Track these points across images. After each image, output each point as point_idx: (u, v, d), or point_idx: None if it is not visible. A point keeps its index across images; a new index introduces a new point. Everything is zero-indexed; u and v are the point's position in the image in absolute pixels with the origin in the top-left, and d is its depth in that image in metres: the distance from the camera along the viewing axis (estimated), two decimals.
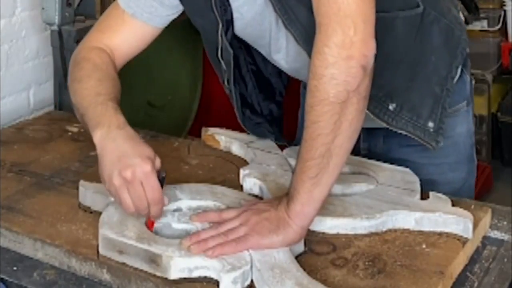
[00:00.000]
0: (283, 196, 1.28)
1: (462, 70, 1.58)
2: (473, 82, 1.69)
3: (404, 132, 1.46)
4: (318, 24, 1.23)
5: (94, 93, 1.41)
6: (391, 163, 1.54)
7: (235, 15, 1.47)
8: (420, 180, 1.47)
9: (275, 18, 1.42)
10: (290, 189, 1.26)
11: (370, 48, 1.21)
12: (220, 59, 1.52)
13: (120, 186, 1.27)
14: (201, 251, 1.21)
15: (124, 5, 1.54)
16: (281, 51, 1.49)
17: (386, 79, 1.41)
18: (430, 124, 1.48)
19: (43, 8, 2.14)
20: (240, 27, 1.48)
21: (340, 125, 1.21)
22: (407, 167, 1.53)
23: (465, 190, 1.61)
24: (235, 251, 1.22)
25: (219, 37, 1.49)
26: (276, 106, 1.68)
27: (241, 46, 1.56)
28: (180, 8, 1.56)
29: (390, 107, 1.44)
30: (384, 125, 1.45)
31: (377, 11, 1.23)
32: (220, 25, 1.47)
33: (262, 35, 1.48)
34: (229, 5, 1.46)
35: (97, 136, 1.33)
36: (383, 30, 1.28)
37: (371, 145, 1.63)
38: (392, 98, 1.44)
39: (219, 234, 1.24)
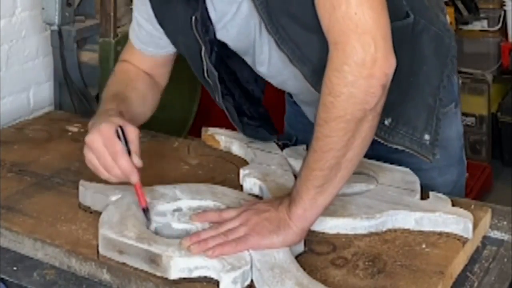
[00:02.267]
0: (284, 197, 1.28)
1: (453, 56, 1.55)
2: (460, 81, 1.66)
3: (401, 148, 1.44)
4: (334, 42, 1.20)
5: (103, 97, 1.51)
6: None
7: (221, 32, 1.46)
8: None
9: (258, 31, 1.41)
10: (293, 193, 1.26)
11: (391, 65, 1.19)
12: (207, 78, 1.51)
13: (86, 153, 1.33)
14: (201, 251, 1.21)
15: (133, 41, 1.60)
16: (264, 64, 1.48)
17: None
18: (426, 137, 1.46)
19: (43, 8, 2.15)
20: (229, 42, 1.48)
21: (353, 142, 1.20)
22: None
23: (456, 192, 1.59)
24: (235, 251, 1.22)
25: (203, 59, 1.48)
26: (263, 109, 1.68)
27: (222, 59, 1.54)
28: None
29: (386, 122, 1.42)
30: (381, 141, 1.43)
31: None
32: (203, 48, 1.46)
33: (246, 48, 1.47)
34: (211, 23, 1.45)
35: (89, 123, 1.40)
36: None
37: None
38: (388, 113, 1.39)
39: (219, 234, 1.24)
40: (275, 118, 1.72)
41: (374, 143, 1.51)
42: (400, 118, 1.44)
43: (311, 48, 1.33)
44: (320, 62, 1.25)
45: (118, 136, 1.32)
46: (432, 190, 1.45)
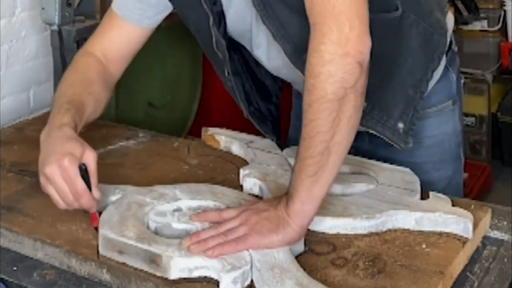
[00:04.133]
0: (283, 196, 1.28)
1: (447, 69, 1.59)
2: (462, 80, 1.68)
3: (372, 131, 1.47)
4: (313, 23, 1.23)
5: (60, 95, 1.50)
6: (377, 161, 1.54)
7: (225, 4, 1.48)
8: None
9: (256, 12, 1.43)
10: (289, 188, 1.26)
11: (365, 45, 1.22)
12: (217, 50, 1.53)
13: (45, 183, 1.33)
14: (201, 251, 1.21)
15: (115, 8, 1.60)
16: (261, 47, 1.50)
17: None
18: (400, 125, 1.48)
19: (43, 8, 2.14)
20: (230, 19, 1.50)
21: (338, 122, 1.21)
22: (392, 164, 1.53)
23: (451, 189, 1.60)
24: (235, 251, 1.22)
25: (212, 30, 1.50)
26: (274, 107, 1.69)
27: (234, 48, 1.57)
28: (168, 7, 1.58)
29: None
30: None
31: None
32: (211, 18, 1.48)
33: (244, 29, 1.49)
34: None
35: (41, 135, 1.43)
36: None
37: (357, 144, 1.61)
38: (366, 98, 1.38)
39: (219, 234, 1.24)
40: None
41: (371, 135, 1.52)
42: (377, 104, 1.46)
43: (294, 28, 1.37)
44: (302, 42, 1.29)
45: (81, 173, 1.31)
46: (427, 185, 1.45)
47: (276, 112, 1.70)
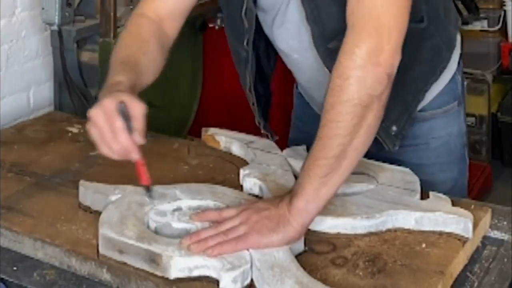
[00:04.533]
0: (285, 195, 1.28)
1: (455, 71, 1.60)
2: (465, 82, 1.69)
3: None
4: (352, 24, 1.25)
5: (115, 58, 1.48)
6: (384, 162, 1.54)
7: None
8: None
9: None
10: (295, 187, 1.26)
11: (397, 59, 1.25)
12: (244, 18, 1.52)
13: (89, 128, 1.32)
14: (201, 251, 1.21)
15: None
16: (283, 26, 1.50)
17: None
18: (394, 128, 1.50)
19: (43, 8, 2.15)
20: None
21: (359, 129, 1.22)
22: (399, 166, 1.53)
23: (457, 190, 1.60)
24: (235, 250, 1.22)
25: None
26: (269, 91, 1.70)
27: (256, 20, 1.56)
28: None
29: None
30: None
31: None
32: None
33: (275, 3, 1.49)
34: None
35: (99, 96, 1.38)
36: None
37: None
38: None
39: (219, 233, 1.24)
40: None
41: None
42: None
43: (328, 14, 1.39)
44: (331, 29, 1.37)
45: (121, 112, 1.30)
46: (433, 186, 1.45)
47: (269, 97, 1.71)
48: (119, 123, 1.29)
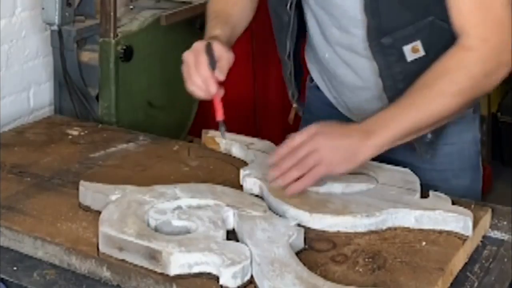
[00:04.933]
0: (356, 124, 1.36)
1: None
2: None
3: None
4: (483, 37, 1.36)
5: (208, 14, 1.62)
6: (396, 165, 1.52)
7: None
8: (422, 185, 1.46)
9: None
10: (374, 121, 1.34)
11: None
12: None
13: (182, 66, 1.47)
14: (288, 184, 1.34)
15: None
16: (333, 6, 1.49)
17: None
18: (429, 136, 1.50)
19: (43, 8, 2.14)
20: None
21: (462, 106, 1.38)
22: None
23: (469, 198, 1.58)
24: (312, 184, 1.34)
25: None
26: (302, 62, 1.72)
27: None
28: None
29: None
30: None
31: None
32: None
33: None
34: None
35: None
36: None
37: None
38: None
39: (295, 165, 1.32)
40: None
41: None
42: None
43: (389, 9, 1.40)
44: (386, 24, 1.40)
45: (207, 51, 1.45)
46: (446, 192, 1.43)
47: (302, 68, 1.72)
48: (203, 58, 1.44)
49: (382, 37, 1.42)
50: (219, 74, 1.43)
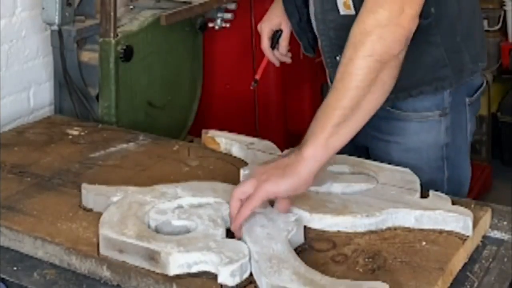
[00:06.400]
0: (296, 147, 1.32)
1: (443, 87, 1.58)
2: (468, 99, 1.65)
3: None
4: None
5: None
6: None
7: None
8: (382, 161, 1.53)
9: None
10: (305, 136, 1.30)
11: (415, 25, 1.32)
12: None
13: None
14: (238, 228, 1.29)
15: None
16: None
17: None
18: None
19: (43, 8, 2.14)
20: None
21: (375, 83, 1.27)
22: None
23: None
24: (251, 210, 1.27)
25: None
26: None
27: None
28: None
29: None
30: None
31: None
32: None
33: None
34: None
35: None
36: None
37: None
38: None
39: (244, 205, 1.29)
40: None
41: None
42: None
43: None
44: None
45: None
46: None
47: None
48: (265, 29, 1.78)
49: None
50: (282, 48, 1.80)
